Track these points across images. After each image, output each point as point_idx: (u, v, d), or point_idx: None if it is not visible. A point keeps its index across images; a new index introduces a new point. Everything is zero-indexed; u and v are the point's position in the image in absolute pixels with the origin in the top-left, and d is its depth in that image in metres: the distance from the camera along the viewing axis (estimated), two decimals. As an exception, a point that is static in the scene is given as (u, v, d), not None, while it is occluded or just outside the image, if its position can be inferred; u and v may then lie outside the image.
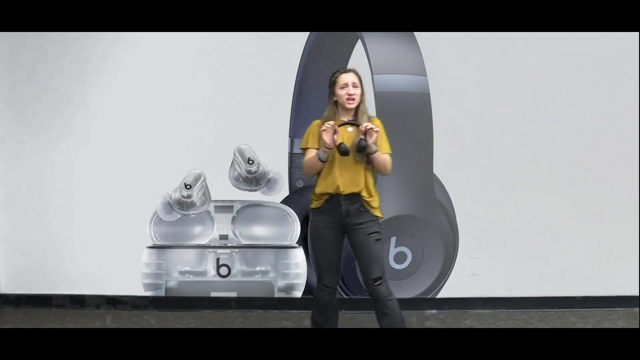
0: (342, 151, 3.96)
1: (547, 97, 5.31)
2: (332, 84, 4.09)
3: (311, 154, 4.09)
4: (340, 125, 3.99)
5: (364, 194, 4.03)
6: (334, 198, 4.03)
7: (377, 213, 4.09)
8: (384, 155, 4.06)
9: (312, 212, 4.15)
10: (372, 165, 4.05)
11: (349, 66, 5.07)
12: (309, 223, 4.19)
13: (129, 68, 5.41)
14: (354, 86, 4.05)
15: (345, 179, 4.01)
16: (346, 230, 4.07)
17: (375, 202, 4.08)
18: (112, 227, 5.43)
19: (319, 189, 4.08)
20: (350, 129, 4.04)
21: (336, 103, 4.09)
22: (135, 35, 5.29)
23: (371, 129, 3.92)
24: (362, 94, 4.09)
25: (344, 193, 4.01)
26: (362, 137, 3.95)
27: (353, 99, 4.04)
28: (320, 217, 4.09)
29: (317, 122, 4.15)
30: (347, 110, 4.07)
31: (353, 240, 4.08)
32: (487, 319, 5.21)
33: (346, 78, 4.06)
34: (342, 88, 4.05)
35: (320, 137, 3.99)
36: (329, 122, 3.95)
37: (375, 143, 3.99)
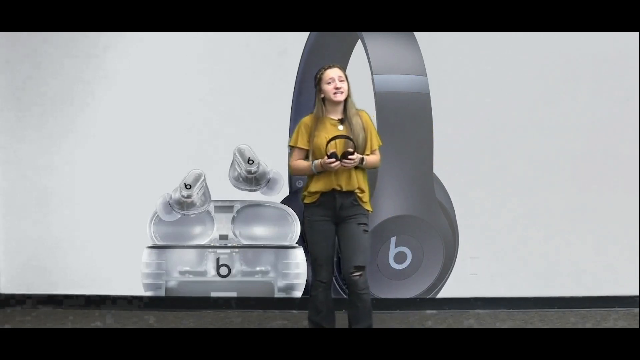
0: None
1: (547, 97, 5.31)
2: (318, 81, 4.16)
3: (300, 155, 4.19)
4: (333, 139, 4.05)
5: (357, 190, 4.14)
6: (329, 193, 4.11)
7: (368, 207, 4.21)
8: (371, 158, 4.17)
9: (305, 207, 4.22)
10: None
11: (349, 66, 5.10)
12: (304, 218, 4.23)
13: (128, 68, 5.41)
14: (340, 80, 4.12)
15: (340, 181, 4.11)
16: (338, 222, 4.16)
17: (366, 197, 4.20)
18: (112, 227, 5.43)
19: (314, 188, 4.13)
20: (340, 126, 4.11)
21: (323, 100, 4.14)
22: (135, 36, 5.29)
23: (347, 158, 3.98)
24: (349, 88, 4.16)
25: (339, 190, 4.10)
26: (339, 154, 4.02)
27: (341, 92, 4.11)
28: (316, 210, 4.17)
29: (305, 119, 4.23)
30: (335, 105, 4.14)
31: (342, 230, 4.17)
32: (487, 319, 5.21)
33: (331, 73, 4.13)
34: (328, 83, 4.12)
35: (311, 136, 4.11)
36: (335, 163, 3.97)
37: (361, 147, 4.10)
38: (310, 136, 4.14)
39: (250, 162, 5.33)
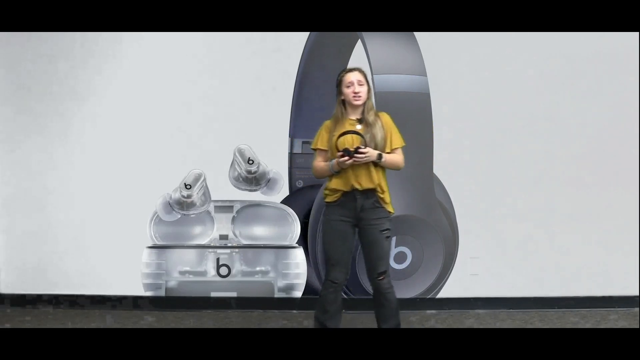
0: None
1: (547, 97, 5.31)
2: (339, 83, 4.20)
3: (321, 156, 4.20)
4: (342, 135, 4.07)
5: (378, 190, 4.13)
6: (349, 193, 4.11)
7: (390, 208, 4.20)
8: (391, 155, 4.15)
9: (326, 206, 4.22)
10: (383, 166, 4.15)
11: (349, 66, 5.09)
12: (323, 217, 4.24)
13: (129, 68, 5.41)
14: (360, 84, 4.15)
15: (359, 177, 4.10)
16: (359, 225, 4.15)
17: (387, 197, 4.19)
18: (112, 227, 5.43)
19: (333, 185, 4.14)
20: (358, 126, 4.13)
21: (343, 102, 4.18)
22: (135, 36, 5.29)
23: (358, 152, 3.98)
24: (369, 91, 4.19)
25: (359, 190, 4.09)
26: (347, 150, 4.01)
27: (359, 97, 4.14)
28: (335, 210, 4.16)
29: (327, 122, 4.24)
30: (355, 107, 4.16)
31: (365, 236, 4.16)
32: (487, 319, 5.21)
33: (351, 77, 4.16)
34: (347, 87, 4.15)
35: (330, 140, 4.12)
36: (345, 157, 3.99)
37: (379, 145, 4.09)
38: (330, 137, 4.16)
39: (250, 162, 5.33)
